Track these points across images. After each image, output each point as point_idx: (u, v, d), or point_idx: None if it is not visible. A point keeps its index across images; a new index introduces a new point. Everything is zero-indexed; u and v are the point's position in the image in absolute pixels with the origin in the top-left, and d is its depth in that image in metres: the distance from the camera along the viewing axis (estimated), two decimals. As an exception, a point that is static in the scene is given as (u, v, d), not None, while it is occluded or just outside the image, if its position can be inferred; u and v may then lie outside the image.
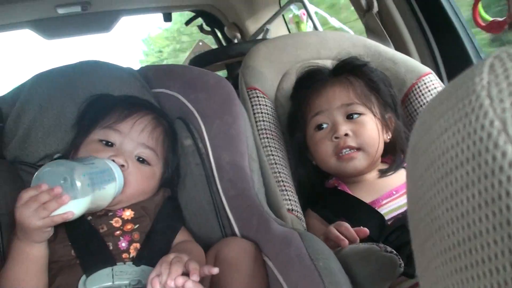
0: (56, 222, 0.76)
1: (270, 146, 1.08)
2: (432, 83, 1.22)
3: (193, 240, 0.95)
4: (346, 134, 1.03)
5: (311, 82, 1.11)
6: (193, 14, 2.65)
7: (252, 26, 2.36)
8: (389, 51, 1.30)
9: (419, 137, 0.32)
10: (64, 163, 0.80)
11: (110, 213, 0.88)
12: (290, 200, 1.02)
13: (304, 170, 1.12)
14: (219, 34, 2.66)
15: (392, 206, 1.01)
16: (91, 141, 0.92)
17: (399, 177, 1.07)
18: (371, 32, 1.56)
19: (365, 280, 0.80)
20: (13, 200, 0.78)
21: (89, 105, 1.00)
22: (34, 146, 0.98)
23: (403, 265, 0.78)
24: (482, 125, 0.26)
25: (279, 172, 1.05)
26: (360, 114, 1.05)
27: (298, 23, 2.23)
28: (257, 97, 1.13)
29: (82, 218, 0.82)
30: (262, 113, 1.11)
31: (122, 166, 0.88)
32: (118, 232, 0.87)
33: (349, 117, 1.05)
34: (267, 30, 2.21)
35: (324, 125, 1.06)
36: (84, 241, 0.84)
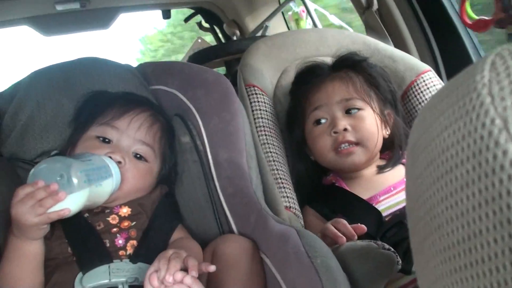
0: (52, 219, 0.76)
1: (268, 143, 1.07)
2: (431, 81, 1.22)
3: (190, 237, 0.95)
4: (345, 129, 1.03)
5: (310, 77, 1.11)
6: (191, 11, 2.65)
7: (251, 23, 2.36)
8: (389, 48, 1.30)
9: (419, 135, 0.32)
10: (60, 159, 0.80)
11: (107, 210, 0.88)
12: (288, 197, 1.02)
13: (303, 165, 1.12)
14: (218, 31, 2.66)
15: (390, 203, 1.01)
16: (88, 138, 0.92)
17: (397, 173, 1.07)
18: (370, 29, 1.56)
19: (362, 278, 0.80)
20: (9, 197, 0.77)
21: (87, 101, 1.00)
22: (31, 142, 0.98)
23: (400, 262, 0.78)
24: (483, 123, 0.25)
25: (277, 170, 1.05)
26: (359, 109, 1.05)
27: (297, 20, 2.23)
28: (256, 94, 1.12)
29: (78, 215, 0.82)
30: (260, 110, 1.11)
31: (119, 162, 0.88)
32: (115, 229, 0.86)
33: (348, 112, 1.05)
34: (266, 27, 2.21)
35: (323, 120, 1.06)
36: (81, 238, 0.84)
